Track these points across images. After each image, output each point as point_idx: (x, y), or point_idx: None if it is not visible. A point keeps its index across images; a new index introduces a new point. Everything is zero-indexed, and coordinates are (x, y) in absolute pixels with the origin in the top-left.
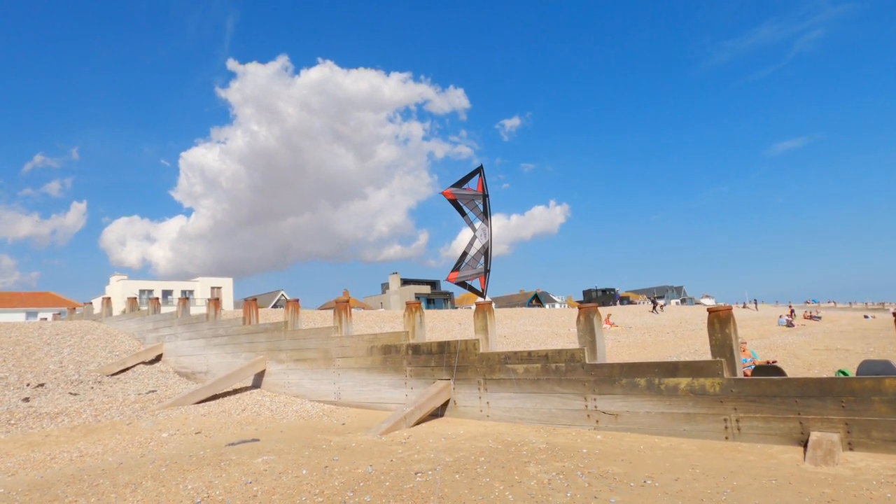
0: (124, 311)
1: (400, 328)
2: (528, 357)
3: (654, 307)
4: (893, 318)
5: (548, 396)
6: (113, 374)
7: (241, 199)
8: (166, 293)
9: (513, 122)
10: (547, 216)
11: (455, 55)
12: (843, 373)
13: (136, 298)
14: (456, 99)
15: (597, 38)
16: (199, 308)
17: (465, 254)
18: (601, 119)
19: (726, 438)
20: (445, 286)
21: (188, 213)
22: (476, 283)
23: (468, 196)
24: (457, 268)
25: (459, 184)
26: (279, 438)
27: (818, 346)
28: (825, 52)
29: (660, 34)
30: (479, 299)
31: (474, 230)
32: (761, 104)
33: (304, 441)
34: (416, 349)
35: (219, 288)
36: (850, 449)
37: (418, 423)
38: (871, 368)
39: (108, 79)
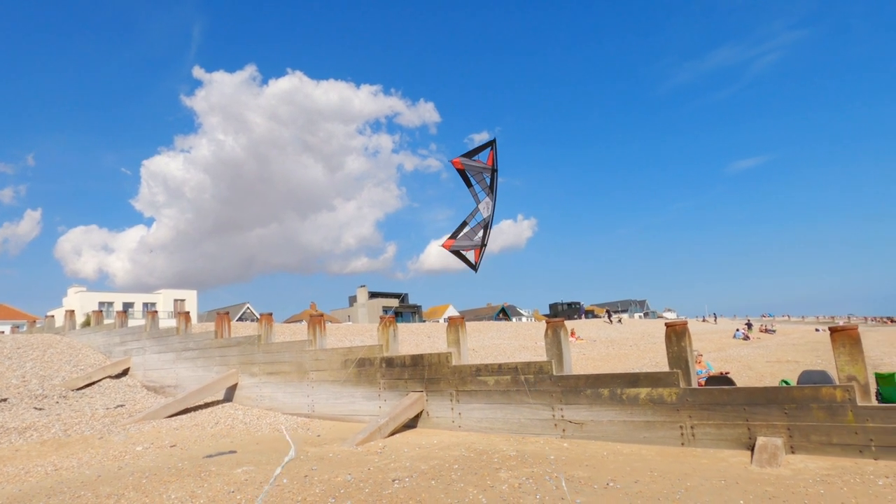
0: (84, 324)
1: (370, 341)
2: (499, 369)
3: (609, 318)
4: (830, 334)
5: (517, 407)
6: (78, 389)
7: (205, 210)
8: (127, 305)
9: (482, 137)
10: (515, 230)
11: (426, 69)
12: (786, 382)
13: (101, 312)
14: (426, 112)
15: (565, 55)
16: (161, 322)
17: (464, 223)
18: (569, 135)
19: (682, 444)
20: (413, 299)
21: (149, 222)
22: (471, 256)
23: (477, 168)
24: (454, 236)
25: (470, 154)
26: (256, 450)
27: (771, 359)
28: (781, 74)
29: (625, 53)
30: (449, 314)
31: (478, 202)
32: (721, 123)
33: (281, 452)
34: (389, 362)
35: (182, 300)
36: (793, 452)
37: (393, 433)
38: (810, 378)
39: (67, 83)
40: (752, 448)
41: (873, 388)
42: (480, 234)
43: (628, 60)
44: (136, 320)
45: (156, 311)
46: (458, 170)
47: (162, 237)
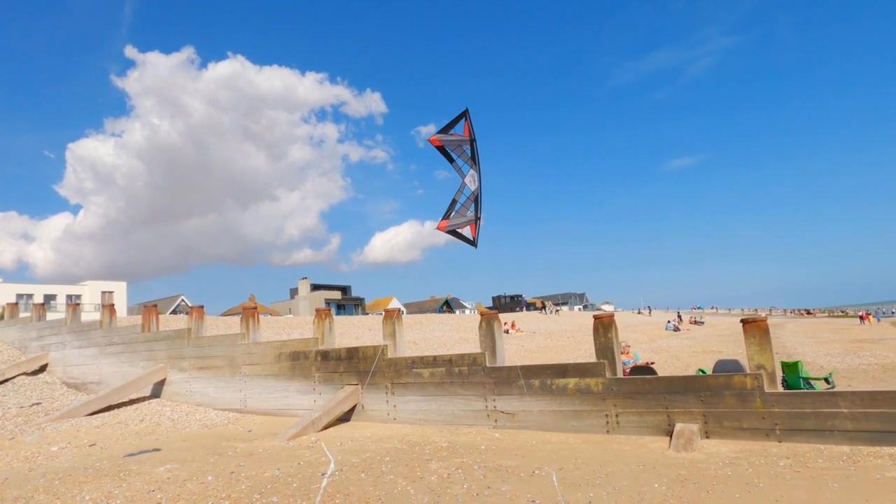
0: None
1: (308, 334)
2: (434, 361)
3: (544, 310)
4: (742, 325)
5: (451, 398)
6: None
7: (138, 197)
8: (49, 298)
9: (428, 129)
10: None
11: (373, 58)
12: (703, 371)
13: (17, 304)
14: (373, 103)
15: (511, 50)
16: (87, 315)
17: (454, 201)
18: (515, 131)
19: (607, 432)
20: (356, 292)
21: (75, 210)
22: (467, 232)
23: (455, 142)
24: (447, 216)
25: (445, 129)
26: (182, 447)
27: (697, 349)
28: (714, 77)
29: (570, 51)
30: (392, 307)
31: (463, 176)
32: (658, 123)
33: (208, 449)
34: (325, 355)
35: (110, 293)
36: (707, 437)
37: (326, 427)
38: (724, 367)
39: None
40: (671, 434)
41: (780, 375)
42: (472, 207)
43: (572, 57)
44: (59, 313)
45: (77, 304)
46: (437, 147)
47: (90, 225)
